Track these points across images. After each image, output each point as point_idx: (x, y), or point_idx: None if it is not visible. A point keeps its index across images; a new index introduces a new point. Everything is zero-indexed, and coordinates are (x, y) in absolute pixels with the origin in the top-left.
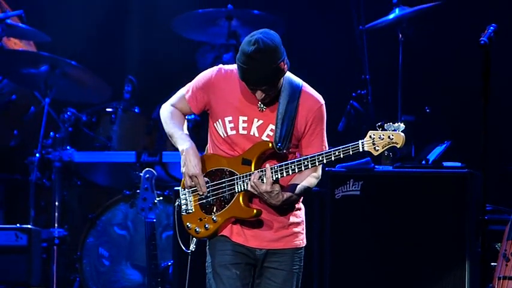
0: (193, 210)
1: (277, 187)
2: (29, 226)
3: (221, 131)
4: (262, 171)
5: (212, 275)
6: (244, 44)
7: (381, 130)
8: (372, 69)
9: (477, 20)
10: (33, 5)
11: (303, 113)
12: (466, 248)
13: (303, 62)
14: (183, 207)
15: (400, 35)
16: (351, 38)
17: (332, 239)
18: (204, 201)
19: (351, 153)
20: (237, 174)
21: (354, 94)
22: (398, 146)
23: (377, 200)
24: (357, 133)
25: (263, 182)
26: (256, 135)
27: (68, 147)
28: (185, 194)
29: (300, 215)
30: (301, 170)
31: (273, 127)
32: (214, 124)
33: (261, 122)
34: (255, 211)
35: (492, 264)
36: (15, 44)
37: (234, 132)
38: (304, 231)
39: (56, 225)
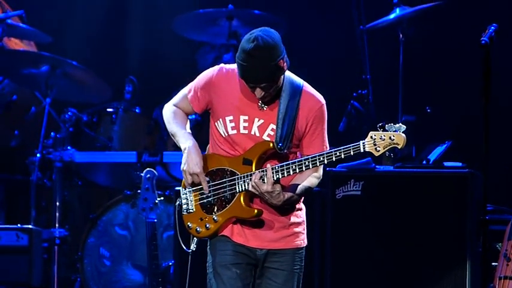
0: (194, 209)
1: (278, 187)
2: (30, 226)
3: (222, 131)
4: (263, 171)
5: (213, 275)
6: (243, 42)
7: (382, 131)
8: (372, 69)
9: (478, 19)
10: (34, 5)
11: (303, 113)
12: (467, 248)
13: (303, 62)
14: (184, 206)
15: (401, 35)
16: (351, 38)
17: (333, 239)
18: (204, 201)
19: (351, 153)
20: (238, 174)
21: (354, 94)
22: (399, 147)
23: (378, 200)
24: (357, 133)
25: (264, 182)
26: (257, 134)
27: (68, 148)
28: (186, 194)
29: (300, 215)
30: (302, 170)
31: (274, 126)
32: (215, 123)
33: (261, 121)
34: (256, 211)
35: (493, 264)
36: (16, 44)
37: (235, 131)
38: (305, 231)
39: (56, 225)
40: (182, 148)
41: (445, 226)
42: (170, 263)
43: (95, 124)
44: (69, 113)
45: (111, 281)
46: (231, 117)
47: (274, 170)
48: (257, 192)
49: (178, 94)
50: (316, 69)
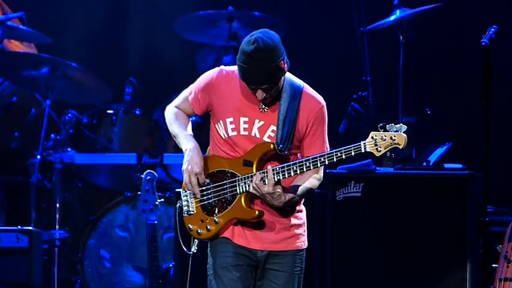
0: (195, 211)
1: (279, 188)
2: (30, 228)
3: (222, 132)
4: (263, 172)
5: (213, 277)
6: (243, 44)
7: (383, 131)
8: (372, 71)
9: (478, 21)
10: (34, 7)
11: (304, 115)
12: (467, 249)
13: (303, 64)
14: (185, 208)
15: (401, 37)
16: (351, 40)
17: (333, 241)
18: (205, 202)
19: (352, 154)
20: (238, 176)
21: (354, 96)
22: (400, 147)
23: (378, 201)
24: (358, 135)
25: (265, 184)
26: (258, 136)
27: (68, 149)
28: (186, 196)
29: (301, 216)
30: (303, 171)
31: (275, 128)
32: (216, 125)
33: (262, 122)
34: (257, 212)
35: (493, 265)
36: (16, 46)
37: (235, 133)
38: (306, 233)
39: (57, 227)
40: (183, 149)
41: (445, 227)
42: (170, 265)
43: (95, 126)
44: (69, 115)
45: (111, 282)
46: (231, 119)
47: (275, 172)
48: (258, 194)
49: (179, 96)
50: (316, 70)
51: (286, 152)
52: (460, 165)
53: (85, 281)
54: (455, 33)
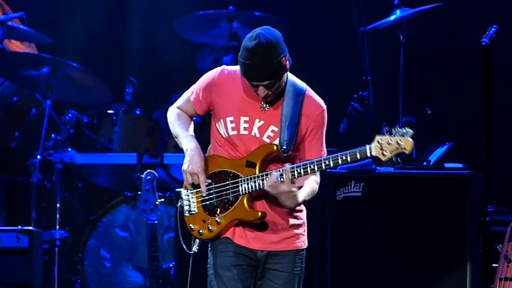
0: (196, 211)
1: (295, 187)
2: (31, 228)
3: (222, 131)
4: (278, 170)
5: (214, 276)
6: (245, 40)
7: (389, 135)
8: (373, 71)
9: (478, 21)
10: (34, 7)
11: (305, 117)
12: (467, 249)
13: (304, 63)
14: (186, 208)
15: (401, 37)
16: (352, 40)
17: (333, 241)
18: (207, 202)
19: (358, 157)
20: (241, 177)
21: (355, 95)
22: (407, 152)
23: (378, 201)
24: (358, 134)
25: (283, 181)
26: (258, 135)
27: (69, 149)
28: (188, 195)
29: (301, 216)
30: (307, 173)
31: (274, 128)
32: (216, 124)
33: (262, 122)
34: (259, 214)
35: (493, 265)
36: (16, 46)
37: (235, 132)
38: (306, 233)
39: (57, 227)
40: (184, 149)
41: (446, 227)
42: (171, 265)
43: (96, 126)
44: (69, 115)
45: (111, 282)
46: (231, 118)
47: (289, 171)
48: (274, 193)
49: (181, 97)
50: (316, 70)
51: (288, 154)
52: (460, 165)
53: (85, 281)
54: (455, 33)
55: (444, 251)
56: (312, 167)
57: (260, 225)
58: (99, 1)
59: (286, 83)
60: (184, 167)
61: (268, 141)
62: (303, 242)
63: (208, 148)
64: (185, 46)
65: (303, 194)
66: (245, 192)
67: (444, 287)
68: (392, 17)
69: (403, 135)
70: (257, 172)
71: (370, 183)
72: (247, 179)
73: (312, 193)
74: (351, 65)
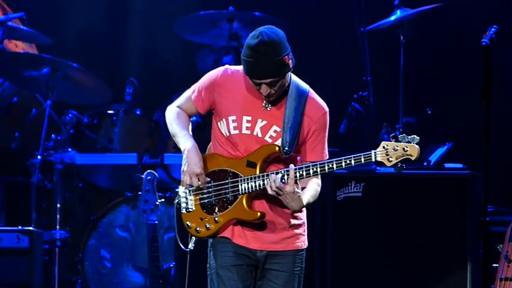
0: (194, 209)
1: (298, 188)
2: (31, 228)
3: (224, 131)
4: (284, 171)
5: (214, 276)
6: (248, 39)
7: (395, 141)
8: (373, 71)
9: (478, 21)
10: (34, 7)
11: (307, 119)
12: (467, 249)
13: (304, 64)
14: (183, 205)
15: (402, 37)
16: (352, 40)
17: (333, 241)
18: (205, 201)
19: (362, 161)
20: (241, 176)
21: (355, 96)
22: (413, 158)
23: (379, 201)
24: (358, 135)
25: (286, 183)
26: (260, 135)
27: (69, 149)
28: (185, 193)
29: (301, 216)
30: (309, 176)
31: (277, 128)
32: (218, 123)
33: (264, 122)
34: (259, 214)
35: (494, 265)
36: (16, 46)
37: (237, 131)
38: (306, 233)
39: (57, 227)
40: (182, 149)
41: (446, 227)
42: (171, 265)
43: (96, 126)
44: (69, 115)
45: (111, 282)
46: (233, 117)
47: (282, 174)
48: (280, 194)
49: (181, 96)
50: (316, 70)
51: (290, 155)
52: (460, 165)
53: (85, 281)
54: (455, 33)
55: (444, 251)
56: (315, 169)
57: (260, 225)
58: (99, 1)
59: (289, 84)
60: (184, 168)
61: (270, 141)
62: (303, 242)
63: (208, 146)
64: (185, 46)
65: (307, 197)
66: (244, 192)
67: (444, 287)
68: (392, 18)
69: (409, 142)
70: (257, 172)
71: (371, 184)
72: (247, 178)
73: (315, 195)
74: (351, 65)
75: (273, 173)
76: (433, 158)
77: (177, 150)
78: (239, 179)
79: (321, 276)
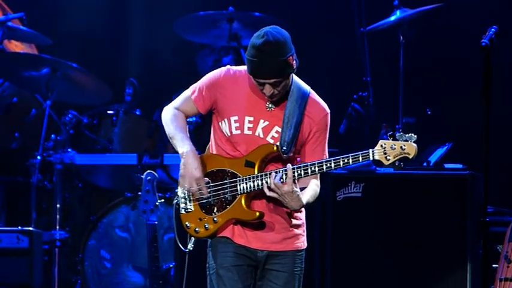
0: (193, 209)
1: (297, 188)
2: (31, 228)
3: (225, 130)
4: (277, 172)
5: (214, 277)
6: (253, 38)
7: (392, 140)
8: (373, 71)
9: (478, 21)
10: (34, 7)
11: (308, 120)
12: (467, 249)
13: (304, 64)
14: (182, 205)
15: (401, 37)
16: (352, 40)
17: (333, 241)
18: (204, 201)
19: (360, 160)
20: (239, 176)
21: (355, 96)
22: (410, 157)
23: (378, 201)
24: (358, 135)
25: (284, 182)
26: (261, 136)
27: (69, 150)
28: (184, 193)
29: (300, 217)
30: (308, 175)
31: (278, 129)
32: (219, 123)
33: (266, 123)
34: (257, 214)
35: (493, 266)
36: (16, 46)
37: (238, 132)
38: (305, 233)
39: (57, 227)
40: (179, 152)
41: (446, 228)
42: (171, 265)
43: (96, 126)
44: (69, 115)
45: (111, 283)
46: (236, 117)
47: (282, 172)
48: (278, 194)
49: (179, 97)
50: (316, 70)
51: (289, 155)
52: (460, 165)
53: (85, 282)
54: (455, 33)
55: (444, 252)
56: (313, 168)
57: (260, 224)
58: (99, 1)
59: (291, 85)
60: (182, 172)
61: (272, 141)
62: (303, 242)
63: (208, 146)
64: (185, 47)
65: (306, 196)
66: (243, 192)
67: (444, 287)
68: (392, 18)
69: (406, 140)
70: (256, 172)
71: (370, 184)
72: (246, 178)
73: (314, 195)
74: (351, 65)
75: (272, 173)
76: (433, 158)
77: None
78: (237, 179)
79: (321, 276)
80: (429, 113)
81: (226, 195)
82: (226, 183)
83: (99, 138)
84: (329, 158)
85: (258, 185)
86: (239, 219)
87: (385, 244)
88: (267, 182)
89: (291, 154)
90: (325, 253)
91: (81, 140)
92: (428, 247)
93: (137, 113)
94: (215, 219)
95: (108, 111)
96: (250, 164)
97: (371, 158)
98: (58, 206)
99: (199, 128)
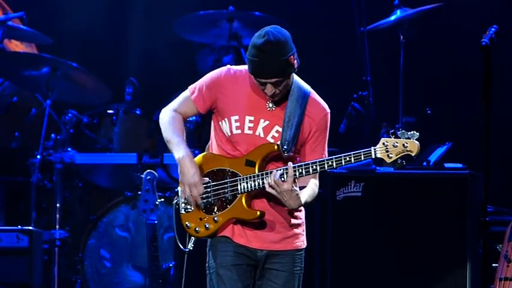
0: (193, 209)
1: (297, 187)
2: (31, 228)
3: (226, 130)
4: (283, 169)
5: (213, 276)
6: (254, 38)
7: (394, 137)
8: (373, 71)
9: (478, 21)
10: (34, 7)
11: (308, 120)
12: (467, 249)
13: (304, 64)
14: (182, 205)
15: (401, 37)
16: (352, 40)
17: (333, 241)
18: (204, 201)
19: (362, 158)
20: (240, 175)
21: (355, 95)
22: (413, 154)
23: (378, 201)
24: (358, 134)
25: (284, 181)
26: (262, 135)
27: (69, 149)
28: None
29: (300, 216)
30: (309, 173)
31: (279, 128)
32: (220, 123)
33: (267, 122)
34: (258, 213)
35: (493, 265)
36: (16, 46)
37: (239, 131)
38: (305, 233)
39: (57, 226)
40: (175, 158)
41: (446, 227)
42: (171, 265)
43: (96, 126)
44: (69, 115)
45: (111, 282)
46: (236, 117)
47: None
48: (276, 192)
49: (177, 99)
50: (316, 70)
51: (289, 154)
52: (460, 165)
53: (85, 281)
54: (455, 33)
55: (444, 251)
56: (314, 167)
57: (260, 224)
58: (99, 1)
59: (291, 84)
60: (181, 178)
61: (272, 141)
62: (303, 242)
63: (207, 145)
64: (185, 46)
65: (305, 196)
66: (244, 191)
67: (444, 287)
68: (392, 17)
69: (409, 138)
70: (256, 171)
71: (370, 183)
72: (246, 177)
73: (313, 195)
74: (351, 65)
75: (273, 171)
76: (433, 158)
77: None
78: (238, 178)
79: (321, 276)
80: (429, 112)
81: (227, 195)
82: (226, 183)
83: (99, 137)
84: (329, 156)
85: (258, 184)
86: (240, 218)
87: (385, 243)
88: (267, 180)
89: (291, 153)
90: (325, 253)
91: (81, 140)
92: (428, 247)
93: (137, 112)
94: (215, 218)
95: (108, 111)
96: (250, 163)
97: (373, 156)
98: (58, 205)
99: (199, 128)
